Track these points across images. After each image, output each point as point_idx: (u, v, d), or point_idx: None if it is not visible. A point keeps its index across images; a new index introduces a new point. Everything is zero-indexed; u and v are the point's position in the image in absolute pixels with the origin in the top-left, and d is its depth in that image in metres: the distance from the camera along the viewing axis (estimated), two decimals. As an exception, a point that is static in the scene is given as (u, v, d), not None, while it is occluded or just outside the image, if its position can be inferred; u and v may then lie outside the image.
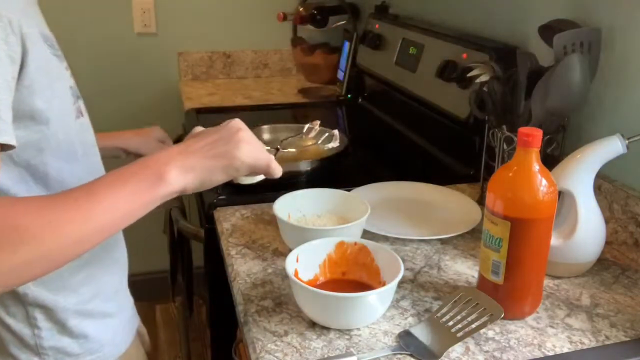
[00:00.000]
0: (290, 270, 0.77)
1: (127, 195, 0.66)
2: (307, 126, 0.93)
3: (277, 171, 0.77)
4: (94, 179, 0.84)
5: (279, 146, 0.87)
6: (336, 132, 0.91)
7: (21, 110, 0.69)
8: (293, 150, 1.45)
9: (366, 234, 0.97)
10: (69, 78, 0.79)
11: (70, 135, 0.78)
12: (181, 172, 0.68)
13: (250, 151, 0.73)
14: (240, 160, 0.72)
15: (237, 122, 0.75)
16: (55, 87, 0.74)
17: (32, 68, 0.69)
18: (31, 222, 0.59)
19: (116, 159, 1.29)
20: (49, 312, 0.80)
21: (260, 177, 0.81)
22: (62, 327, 0.82)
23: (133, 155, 1.27)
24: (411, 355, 0.72)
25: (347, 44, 2.09)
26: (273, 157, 0.76)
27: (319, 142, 0.90)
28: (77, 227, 0.62)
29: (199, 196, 1.27)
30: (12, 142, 0.64)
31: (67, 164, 0.78)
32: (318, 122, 0.93)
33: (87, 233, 0.63)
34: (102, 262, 0.87)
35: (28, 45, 0.68)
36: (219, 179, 0.72)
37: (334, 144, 0.91)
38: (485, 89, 1.07)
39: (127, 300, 0.96)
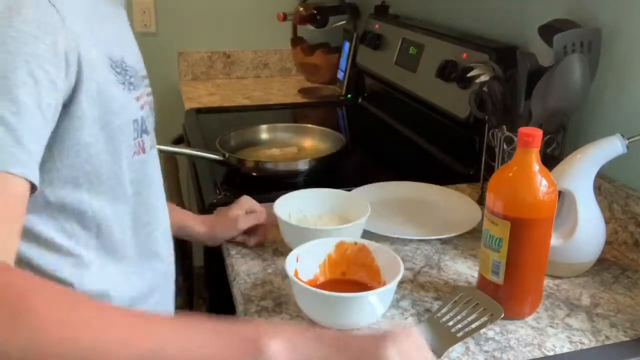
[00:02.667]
0: (290, 271, 0.77)
1: (191, 344, 0.49)
2: None
3: None
4: (144, 225, 0.75)
5: None
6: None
7: (65, 142, 0.63)
8: (294, 148, 1.46)
9: (366, 234, 0.97)
10: (136, 110, 0.72)
11: (119, 172, 0.70)
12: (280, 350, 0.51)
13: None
14: None
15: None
16: (111, 120, 0.67)
17: (85, 98, 0.63)
18: (46, 309, 0.46)
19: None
20: None
21: None
22: None
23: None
24: (411, 355, 0.72)
25: (347, 44, 2.09)
26: None
27: None
28: (97, 338, 0.47)
29: (199, 195, 1.27)
30: (34, 179, 0.55)
31: (109, 203, 0.70)
32: None
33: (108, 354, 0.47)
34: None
35: (85, 72, 0.62)
36: None
37: None
38: (485, 89, 1.07)
39: None
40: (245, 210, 0.98)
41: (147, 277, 0.80)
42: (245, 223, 0.96)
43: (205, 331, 0.50)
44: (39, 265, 0.68)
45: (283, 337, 0.51)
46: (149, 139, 0.76)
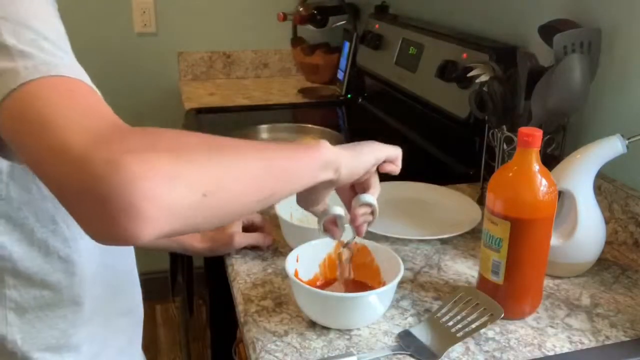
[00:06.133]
0: (290, 270, 0.77)
1: (278, 152, 0.62)
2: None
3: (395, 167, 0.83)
4: None
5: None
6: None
7: None
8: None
9: (366, 234, 0.97)
10: None
11: None
12: (329, 146, 0.67)
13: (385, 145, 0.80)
14: (378, 148, 0.78)
15: None
16: None
17: None
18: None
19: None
20: None
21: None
22: None
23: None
24: (411, 355, 0.72)
25: (347, 44, 2.09)
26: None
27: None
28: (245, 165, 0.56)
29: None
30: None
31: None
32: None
33: (253, 173, 0.56)
34: (111, 316, 0.79)
35: None
36: (367, 156, 0.74)
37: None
38: (485, 89, 1.07)
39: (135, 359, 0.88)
40: (242, 222, 0.98)
41: None
42: (241, 242, 0.96)
43: (269, 146, 0.65)
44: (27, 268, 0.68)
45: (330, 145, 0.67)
46: None
